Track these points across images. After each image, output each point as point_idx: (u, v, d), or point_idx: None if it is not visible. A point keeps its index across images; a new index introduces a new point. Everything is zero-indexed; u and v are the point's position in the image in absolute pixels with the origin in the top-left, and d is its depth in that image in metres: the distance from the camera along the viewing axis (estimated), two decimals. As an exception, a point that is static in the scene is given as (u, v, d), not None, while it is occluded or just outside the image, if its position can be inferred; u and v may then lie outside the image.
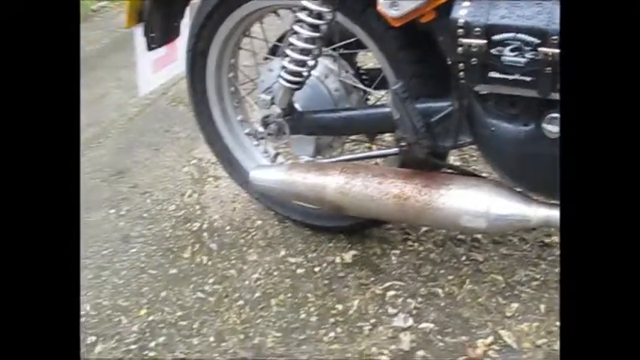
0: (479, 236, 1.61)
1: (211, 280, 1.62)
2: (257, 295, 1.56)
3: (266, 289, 1.57)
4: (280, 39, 1.53)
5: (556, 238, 1.59)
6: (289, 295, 1.54)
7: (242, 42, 1.60)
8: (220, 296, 1.57)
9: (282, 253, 1.67)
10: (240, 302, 1.54)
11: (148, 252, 1.73)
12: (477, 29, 0.97)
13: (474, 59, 1.00)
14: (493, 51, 0.98)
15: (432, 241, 1.63)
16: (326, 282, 1.56)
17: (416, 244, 1.62)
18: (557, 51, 0.93)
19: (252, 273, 1.63)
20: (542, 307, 1.42)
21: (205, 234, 1.78)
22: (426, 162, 1.27)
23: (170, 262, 1.69)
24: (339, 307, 1.49)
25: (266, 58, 1.57)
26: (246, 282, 1.60)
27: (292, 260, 1.64)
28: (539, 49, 0.94)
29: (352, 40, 1.38)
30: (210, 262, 1.68)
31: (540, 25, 0.93)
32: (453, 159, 1.87)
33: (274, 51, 1.55)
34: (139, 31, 1.52)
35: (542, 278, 1.49)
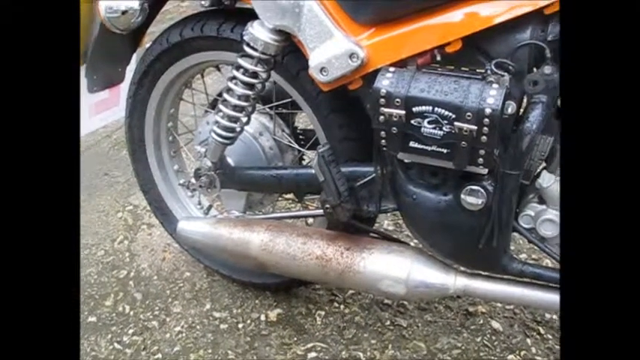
0: (405, 302, 1.62)
1: (131, 331, 1.58)
2: (176, 348, 1.52)
3: (186, 343, 1.54)
4: (220, 93, 1.54)
5: (480, 308, 1.61)
6: (209, 350, 1.51)
7: (183, 93, 1.61)
8: (138, 348, 1.53)
9: (208, 306, 1.65)
10: (158, 356, 1.50)
11: (70, 298, 1.67)
12: (397, 100, 1.00)
13: (394, 128, 1.03)
14: (413, 122, 1.01)
15: (359, 304, 1.63)
16: (248, 339, 1.54)
17: (342, 306, 1.62)
18: (473, 127, 0.97)
19: (175, 325, 1.59)
20: (461, 376, 1.43)
21: (131, 282, 1.74)
22: (351, 225, 1.28)
23: (90, 310, 1.64)
24: (259, 366, 1.46)
25: (206, 111, 1.59)
26: (167, 335, 1.56)
27: (217, 315, 1.62)
28: (455, 123, 0.97)
29: (289, 100, 1.41)
30: (132, 312, 1.64)
31: (456, 102, 0.97)
32: (386, 223, 1.90)
33: (214, 105, 1.56)
34: (81, 72, 1.51)
35: (463, 347, 1.50)
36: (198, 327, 1.59)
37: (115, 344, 1.53)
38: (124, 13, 1.28)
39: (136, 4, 1.28)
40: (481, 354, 1.48)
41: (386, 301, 1.63)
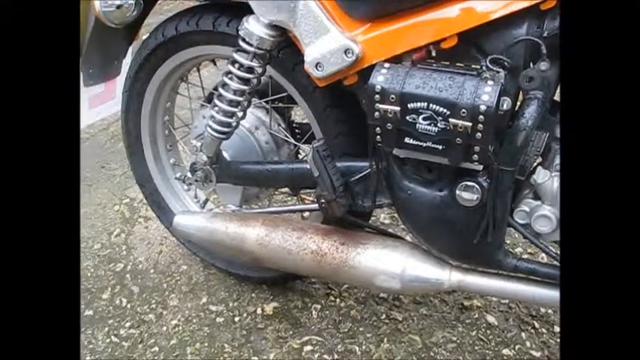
0: (400, 296, 1.62)
1: (128, 324, 1.58)
2: (173, 342, 1.53)
3: (183, 336, 1.54)
4: (216, 87, 1.54)
5: (476, 302, 1.62)
6: (206, 344, 1.52)
7: (179, 87, 1.61)
8: (135, 341, 1.53)
9: (204, 300, 1.65)
10: (155, 349, 1.51)
11: (66, 291, 1.68)
12: (392, 96, 1.00)
13: (389, 124, 1.03)
14: (408, 118, 1.01)
15: (354, 297, 1.63)
16: (244, 332, 1.54)
17: (338, 299, 1.63)
18: (468, 123, 0.97)
19: (172, 319, 1.60)
20: (456, 370, 1.44)
21: (128, 275, 1.75)
22: (346, 220, 1.28)
23: (87, 303, 1.64)
24: (255, 359, 1.47)
25: (202, 105, 1.58)
26: (164, 328, 1.57)
27: (213, 308, 1.62)
28: (450, 120, 0.97)
29: (285, 94, 1.40)
30: (129, 305, 1.64)
31: (451, 98, 0.97)
32: (382, 216, 1.90)
33: (210, 98, 1.56)
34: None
35: (458, 341, 1.51)
36: (194, 320, 1.59)
37: (112, 337, 1.54)
38: (118, 7, 1.27)
39: (130, -2, 1.27)
40: (476, 348, 1.49)
41: (381, 294, 1.63)
